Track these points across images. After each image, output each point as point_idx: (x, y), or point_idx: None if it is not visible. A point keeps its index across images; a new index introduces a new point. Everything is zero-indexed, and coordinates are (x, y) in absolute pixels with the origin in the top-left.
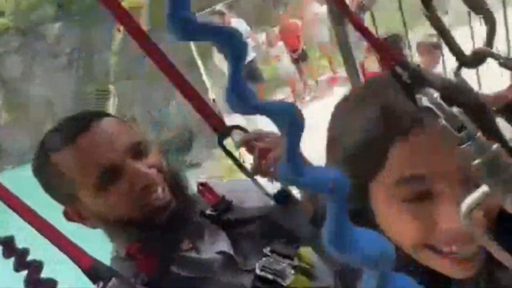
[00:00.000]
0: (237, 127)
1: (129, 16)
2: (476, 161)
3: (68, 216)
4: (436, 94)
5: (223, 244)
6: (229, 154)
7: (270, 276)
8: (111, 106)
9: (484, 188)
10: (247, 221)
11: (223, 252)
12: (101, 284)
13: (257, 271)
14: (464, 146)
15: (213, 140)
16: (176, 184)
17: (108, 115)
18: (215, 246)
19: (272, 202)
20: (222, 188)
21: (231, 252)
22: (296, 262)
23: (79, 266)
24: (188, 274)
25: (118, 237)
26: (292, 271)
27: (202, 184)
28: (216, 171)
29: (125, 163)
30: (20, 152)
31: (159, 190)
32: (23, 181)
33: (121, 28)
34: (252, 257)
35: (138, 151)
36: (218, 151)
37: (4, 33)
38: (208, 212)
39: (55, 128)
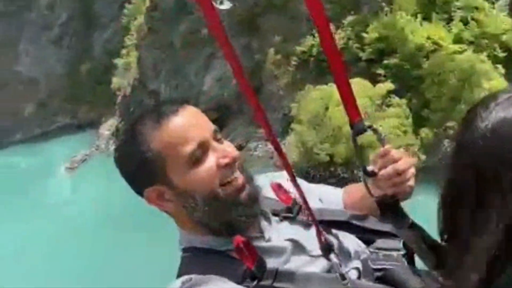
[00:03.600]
0: (371, 127)
1: None
2: None
3: (150, 199)
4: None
5: (290, 232)
6: (357, 149)
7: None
8: (122, 80)
9: None
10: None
11: (291, 240)
12: None
13: (372, 266)
14: None
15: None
16: (246, 172)
17: (188, 104)
18: (282, 235)
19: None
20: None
21: (299, 239)
22: (403, 251)
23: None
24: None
25: (203, 215)
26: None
27: (279, 186)
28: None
29: (212, 142)
30: None
31: (238, 170)
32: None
33: None
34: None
35: (217, 137)
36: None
37: None
38: (283, 214)
39: (143, 114)
